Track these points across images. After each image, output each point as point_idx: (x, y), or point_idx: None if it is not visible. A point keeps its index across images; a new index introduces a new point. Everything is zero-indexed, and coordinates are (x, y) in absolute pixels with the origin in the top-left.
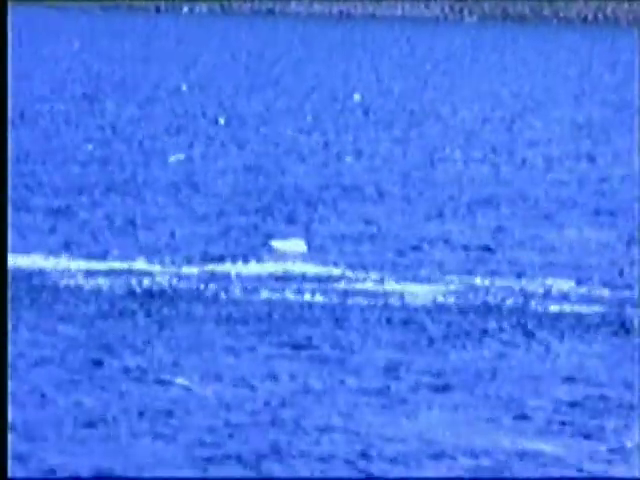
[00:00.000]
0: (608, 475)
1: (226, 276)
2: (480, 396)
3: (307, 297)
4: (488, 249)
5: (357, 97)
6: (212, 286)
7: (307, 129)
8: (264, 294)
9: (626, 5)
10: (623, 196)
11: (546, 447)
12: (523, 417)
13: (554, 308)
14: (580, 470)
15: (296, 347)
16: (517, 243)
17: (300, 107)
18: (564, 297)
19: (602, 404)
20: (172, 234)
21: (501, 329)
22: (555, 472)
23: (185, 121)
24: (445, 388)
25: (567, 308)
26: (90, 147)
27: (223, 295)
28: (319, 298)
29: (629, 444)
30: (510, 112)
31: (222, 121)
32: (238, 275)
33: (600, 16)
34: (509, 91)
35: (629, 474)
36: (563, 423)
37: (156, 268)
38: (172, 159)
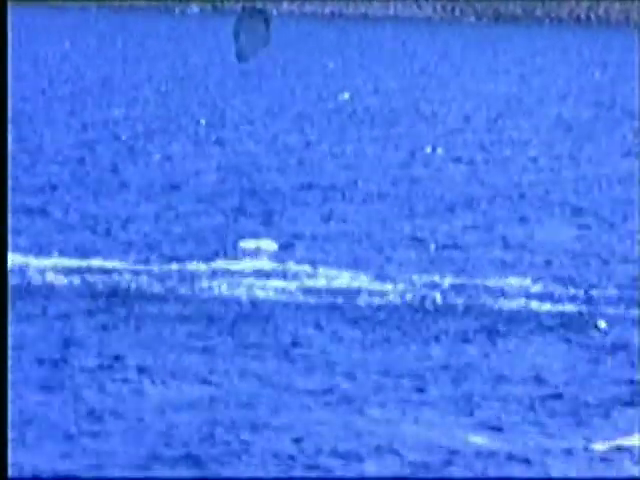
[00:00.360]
0: (608, 475)
1: (191, 275)
2: (435, 395)
3: (269, 295)
4: (455, 248)
5: (346, 96)
6: (176, 285)
7: (291, 128)
8: (228, 292)
9: (618, 5)
10: (599, 196)
11: (496, 444)
12: (475, 414)
13: (515, 306)
14: (529, 465)
15: (257, 346)
16: (485, 242)
17: (287, 107)
18: (526, 295)
19: (558, 403)
20: (141, 232)
21: (459, 327)
22: (504, 469)
23: (168, 121)
24: (398, 387)
25: (529, 306)
26: (69, 146)
27: (184, 293)
28: (281, 296)
29: (580, 444)
30: (497, 112)
31: (203, 122)
32: (203, 274)
33: (592, 16)
34: (500, 91)
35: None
36: (519, 421)
37: (120, 266)
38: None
